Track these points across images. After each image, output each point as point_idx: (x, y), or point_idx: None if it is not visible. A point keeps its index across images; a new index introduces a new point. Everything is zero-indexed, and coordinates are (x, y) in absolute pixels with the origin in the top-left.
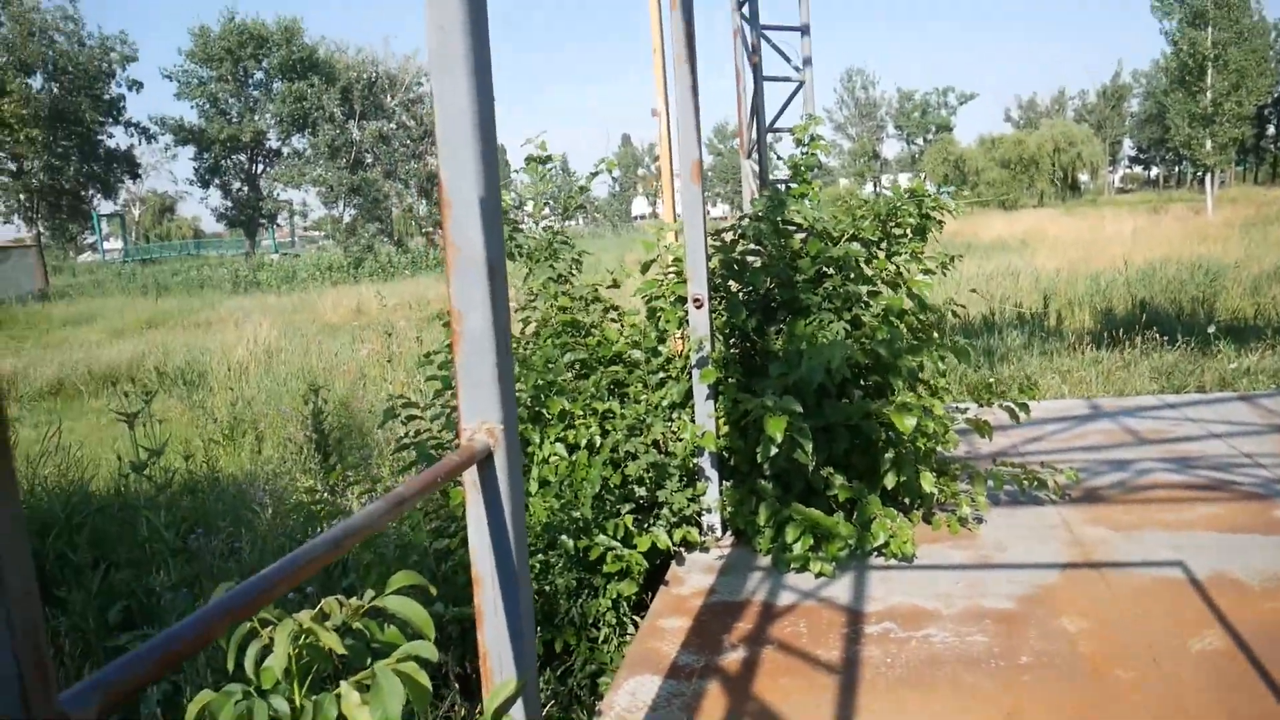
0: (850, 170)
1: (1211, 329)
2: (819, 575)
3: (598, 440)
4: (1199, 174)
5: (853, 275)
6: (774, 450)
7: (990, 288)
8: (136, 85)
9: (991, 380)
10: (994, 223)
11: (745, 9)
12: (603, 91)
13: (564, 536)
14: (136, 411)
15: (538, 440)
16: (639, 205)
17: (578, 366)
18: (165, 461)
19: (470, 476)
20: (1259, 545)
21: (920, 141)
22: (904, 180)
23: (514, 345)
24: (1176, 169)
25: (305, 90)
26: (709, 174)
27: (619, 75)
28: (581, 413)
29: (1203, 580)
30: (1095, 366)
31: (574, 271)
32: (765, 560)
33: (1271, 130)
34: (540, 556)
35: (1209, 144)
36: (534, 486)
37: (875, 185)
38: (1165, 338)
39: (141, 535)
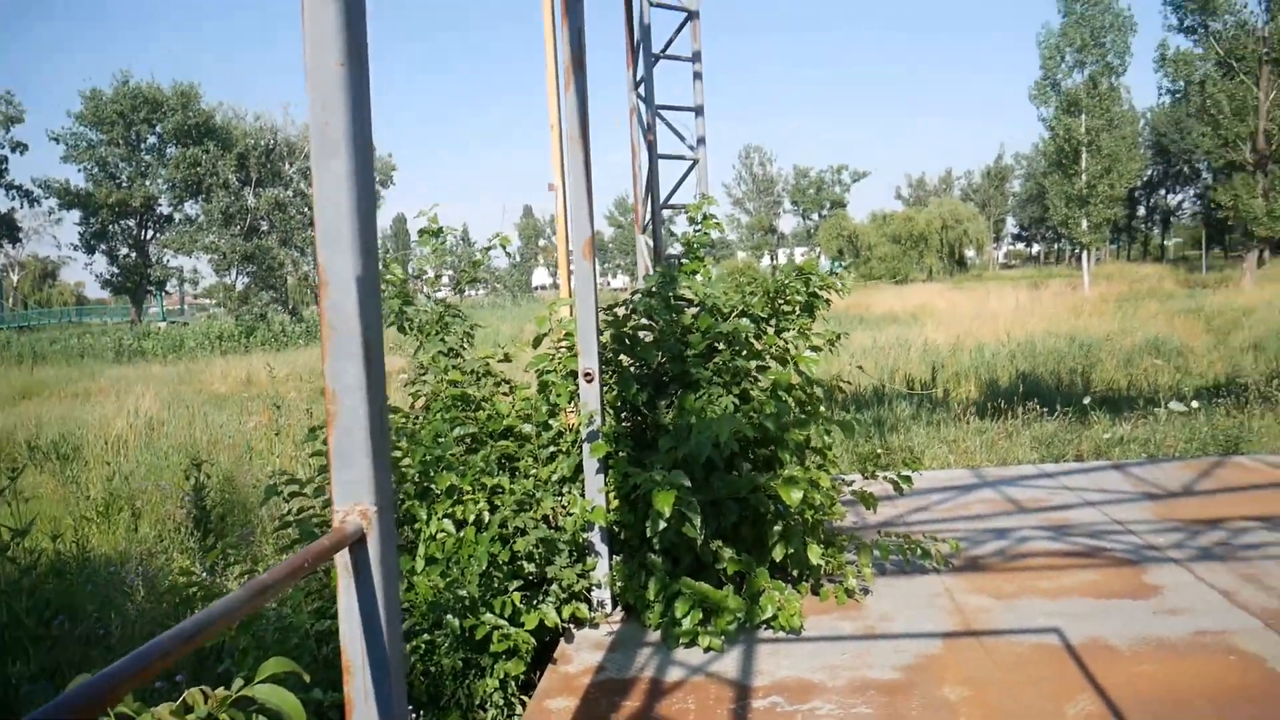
0: (748, 244)
1: (1087, 400)
2: (708, 650)
3: (486, 516)
4: (1076, 251)
5: (743, 350)
6: (663, 525)
7: (882, 359)
8: (21, 147)
9: (879, 452)
10: (886, 296)
11: (641, 89)
12: (505, 161)
13: (450, 616)
14: (1, 489)
15: (424, 517)
16: (540, 276)
17: (468, 441)
18: (30, 542)
19: (343, 560)
20: (1129, 610)
21: (815, 217)
22: (799, 254)
23: (403, 420)
24: (1056, 246)
25: (200, 156)
26: (610, 246)
27: (522, 145)
28: (470, 488)
29: (1077, 646)
30: (980, 436)
31: (466, 345)
32: (655, 635)
33: (1142, 211)
34: (426, 636)
35: (1085, 223)
36: (420, 564)
37: (772, 258)
38: (1045, 408)
39: (1, 621)
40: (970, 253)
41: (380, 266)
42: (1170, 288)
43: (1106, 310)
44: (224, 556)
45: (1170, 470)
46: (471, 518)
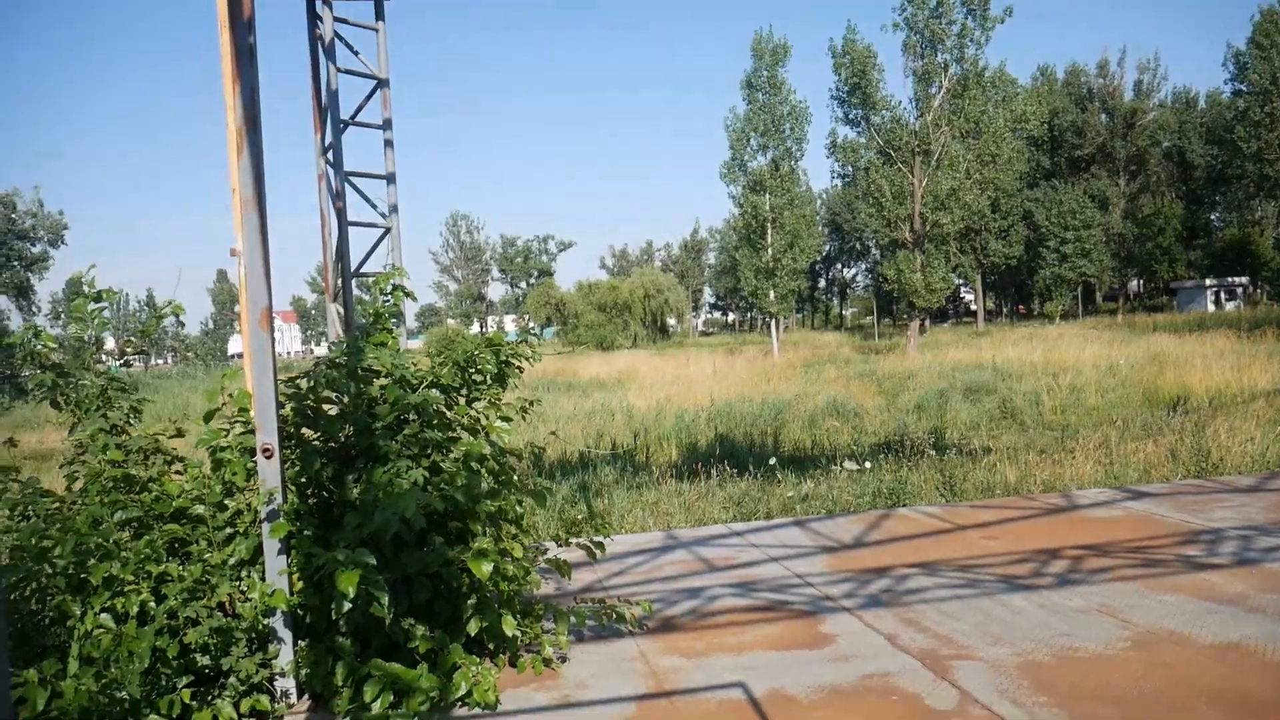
0: (457, 310)
1: (772, 460)
2: None
3: (152, 607)
4: (767, 320)
5: (433, 421)
6: (348, 606)
7: (588, 424)
8: None
9: (580, 518)
10: (593, 363)
11: (330, 155)
12: (188, 223)
13: None
14: None
15: (79, 613)
16: (237, 343)
17: (134, 525)
18: None
19: None
20: (807, 660)
21: (524, 284)
22: (509, 321)
23: (55, 505)
24: (749, 315)
25: None
26: (313, 312)
27: (214, 206)
28: (133, 577)
29: (760, 698)
30: (678, 498)
31: (133, 420)
32: None
33: (823, 283)
34: None
35: (773, 294)
36: (74, 666)
37: (482, 326)
38: (738, 469)
39: None
40: (671, 320)
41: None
42: (848, 354)
43: (794, 374)
44: None
45: (845, 524)
46: (134, 610)
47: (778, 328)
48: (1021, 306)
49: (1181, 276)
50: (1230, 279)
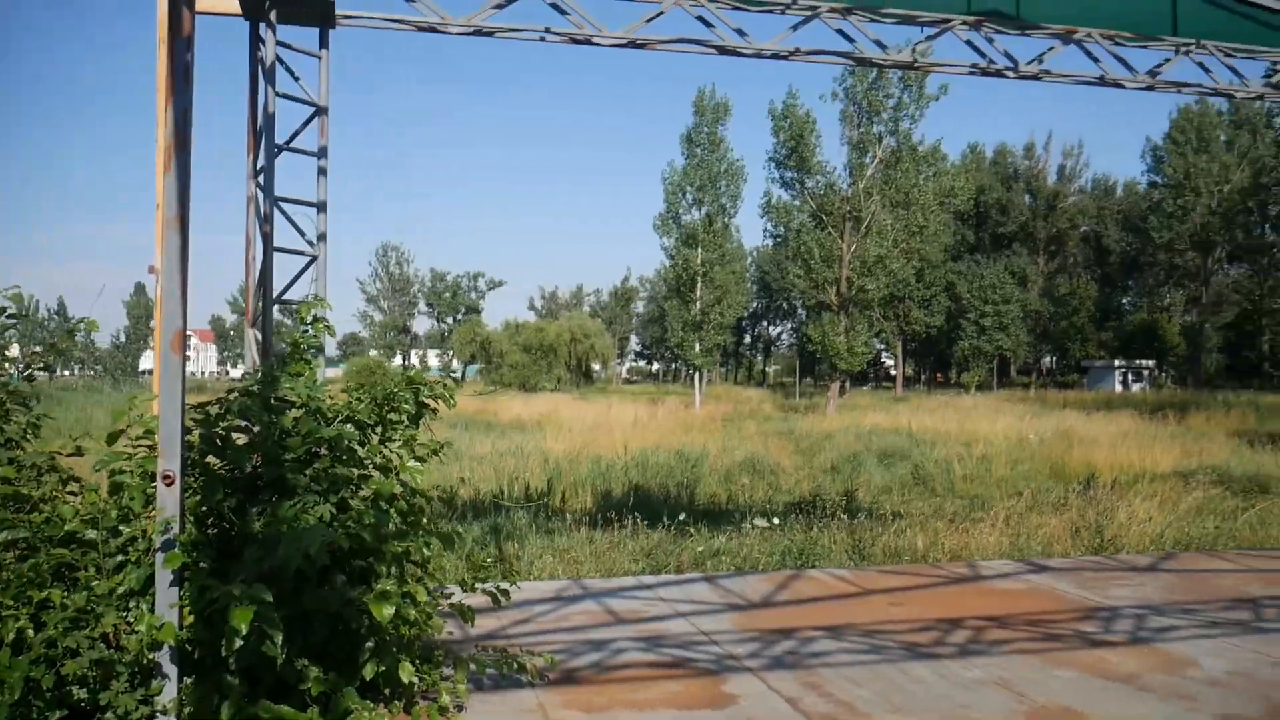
0: (381, 342)
1: (682, 516)
2: None
3: (30, 634)
4: (691, 372)
5: (345, 457)
6: (239, 643)
7: (504, 466)
8: None
9: (489, 562)
10: (514, 404)
11: (261, 178)
12: (108, 233)
13: None
14: None
15: None
16: (149, 359)
17: (22, 546)
18: None
19: None
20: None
21: (450, 320)
22: (433, 357)
23: None
24: (674, 365)
25: None
26: (232, 334)
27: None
28: (13, 602)
29: None
30: (589, 546)
31: (30, 436)
32: None
33: (748, 339)
34: None
35: (698, 346)
36: None
37: (404, 359)
38: (646, 521)
39: None
40: (597, 366)
41: None
42: (769, 410)
43: (714, 428)
44: None
45: (754, 582)
46: (9, 637)
47: (701, 380)
48: (939, 375)
49: (1092, 356)
50: (1138, 361)
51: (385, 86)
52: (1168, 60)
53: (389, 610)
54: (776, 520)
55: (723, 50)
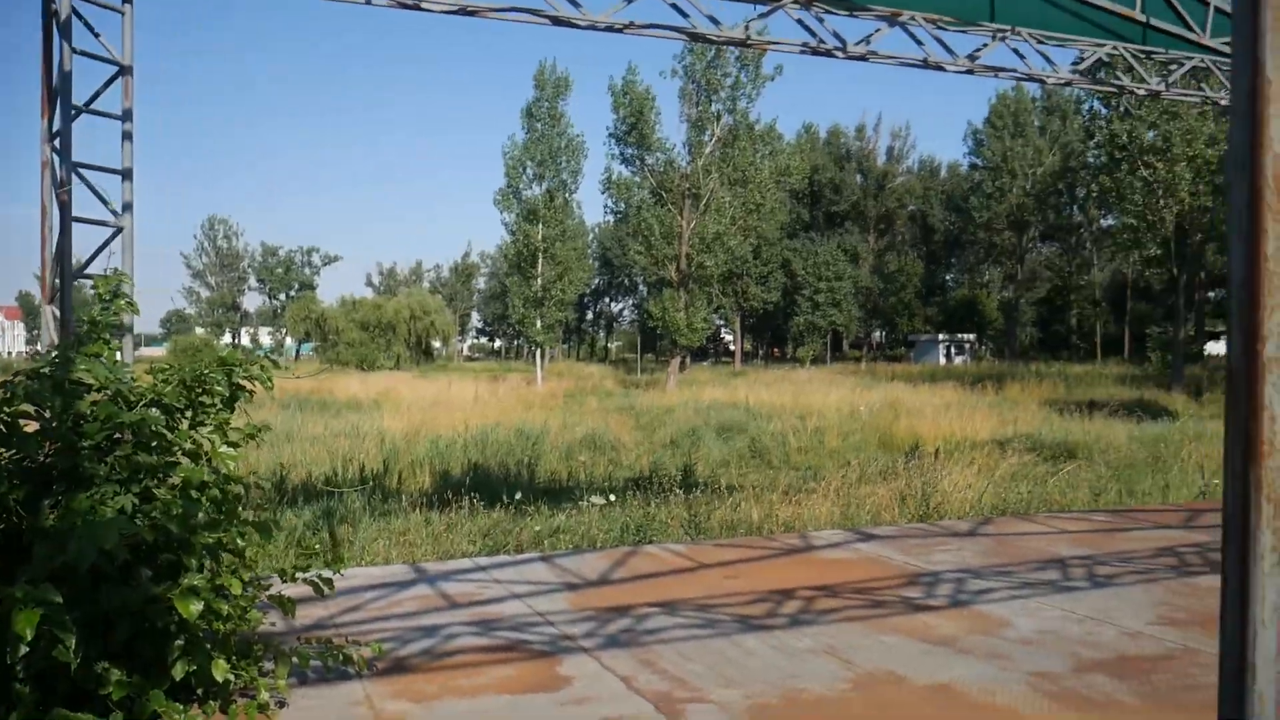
0: (208, 320)
1: (518, 495)
2: None
3: None
4: (533, 349)
5: (150, 444)
6: (25, 649)
7: (338, 447)
8: None
9: (317, 549)
10: (351, 383)
11: (57, 142)
12: None
13: None
14: None
15: None
16: None
17: None
18: None
19: None
20: (541, 704)
21: (283, 297)
22: (265, 334)
23: None
24: (516, 342)
25: None
26: (40, 309)
27: None
28: None
29: None
30: (427, 528)
31: None
32: None
33: (590, 315)
34: None
35: (540, 323)
36: None
37: (234, 337)
38: (485, 501)
39: None
40: (437, 344)
41: None
42: (610, 386)
43: (555, 405)
44: None
45: (591, 560)
46: None
47: (543, 357)
48: (776, 350)
49: (919, 330)
50: (960, 335)
51: (208, 49)
52: (986, 45)
53: (196, 606)
54: (614, 497)
55: (557, 20)
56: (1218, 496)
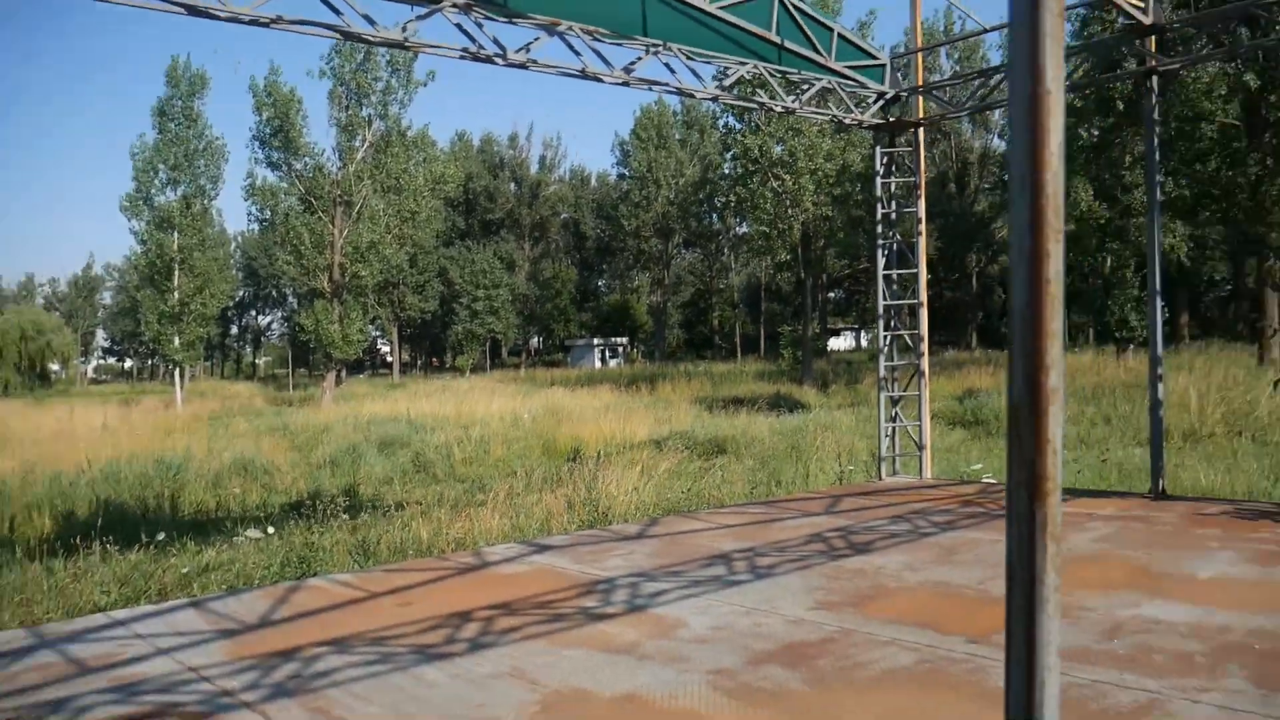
0: None
1: (161, 535)
2: None
3: None
4: (171, 368)
5: None
6: None
7: None
8: None
9: None
10: None
11: None
12: None
13: None
14: None
15: None
16: None
17: None
18: None
19: None
20: None
21: None
22: None
23: None
24: (150, 362)
25: None
26: None
27: None
28: None
29: None
30: (49, 579)
31: None
32: None
33: (235, 330)
34: None
35: (178, 340)
36: None
37: None
38: (117, 544)
39: None
40: (55, 366)
41: None
42: (260, 405)
43: (199, 428)
44: None
45: (249, 601)
46: None
47: (183, 377)
48: (435, 359)
49: (574, 335)
50: (613, 339)
51: None
52: (640, 59)
53: None
54: (271, 529)
55: (193, 11)
56: (853, 481)
